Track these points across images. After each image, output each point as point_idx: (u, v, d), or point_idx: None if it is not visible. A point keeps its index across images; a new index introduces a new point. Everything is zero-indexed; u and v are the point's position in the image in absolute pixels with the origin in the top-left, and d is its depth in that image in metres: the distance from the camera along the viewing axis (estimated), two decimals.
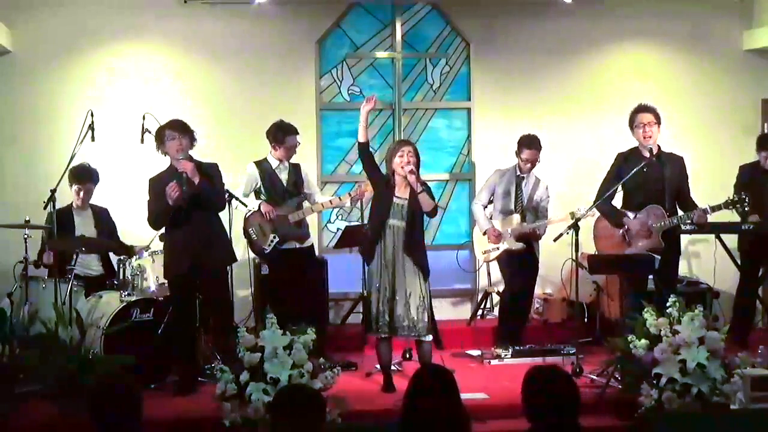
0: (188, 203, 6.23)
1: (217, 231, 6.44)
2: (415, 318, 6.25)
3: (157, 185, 6.33)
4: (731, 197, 6.83)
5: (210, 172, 6.39)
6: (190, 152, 6.38)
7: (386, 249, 6.30)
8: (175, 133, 6.30)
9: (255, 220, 7.19)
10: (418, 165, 6.33)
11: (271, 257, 7.18)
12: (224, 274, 6.55)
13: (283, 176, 7.30)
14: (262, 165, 7.26)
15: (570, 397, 3.57)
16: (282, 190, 7.27)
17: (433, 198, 6.37)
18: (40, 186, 6.85)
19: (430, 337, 6.31)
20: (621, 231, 6.94)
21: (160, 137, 6.35)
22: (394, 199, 6.33)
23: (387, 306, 6.27)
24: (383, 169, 6.54)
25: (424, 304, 6.27)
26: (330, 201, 7.50)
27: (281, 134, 7.20)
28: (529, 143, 7.42)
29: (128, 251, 6.97)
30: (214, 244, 6.35)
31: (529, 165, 7.44)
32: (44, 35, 8.13)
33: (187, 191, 6.18)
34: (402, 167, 6.27)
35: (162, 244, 6.94)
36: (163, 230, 6.96)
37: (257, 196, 7.27)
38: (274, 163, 7.28)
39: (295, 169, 7.36)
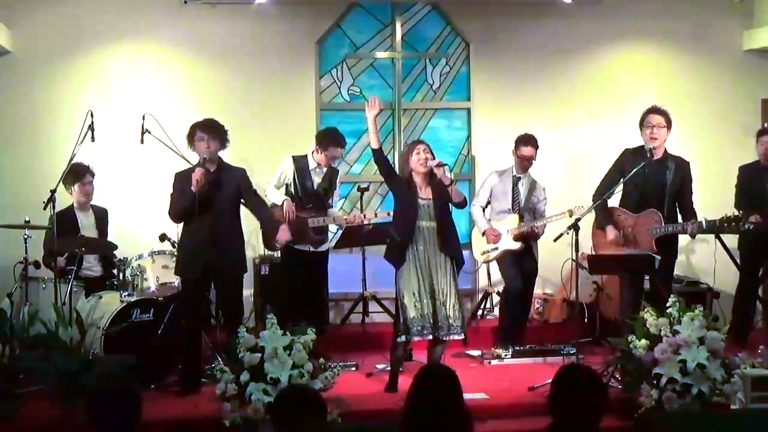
0: (204, 204, 6.22)
1: (230, 237, 6.37)
2: (452, 316, 6.18)
3: (182, 180, 6.33)
4: (727, 215, 6.77)
5: (234, 178, 6.39)
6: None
7: (418, 251, 6.20)
8: (204, 134, 6.34)
9: (275, 216, 7.17)
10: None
11: (281, 254, 7.16)
12: (238, 280, 6.53)
13: (317, 179, 7.29)
14: (299, 161, 7.22)
15: (599, 398, 3.57)
16: (311, 192, 7.26)
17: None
18: (40, 186, 6.84)
19: (463, 335, 6.26)
20: (620, 230, 6.94)
21: (191, 136, 6.40)
22: (419, 200, 6.25)
23: (429, 308, 6.16)
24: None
25: (459, 302, 6.24)
26: (354, 217, 7.43)
27: (326, 141, 7.22)
28: (526, 141, 7.45)
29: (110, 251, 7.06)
30: (225, 250, 6.29)
31: (525, 163, 7.44)
32: (44, 35, 8.13)
33: (208, 180, 6.21)
34: (422, 164, 6.18)
35: (162, 244, 6.96)
36: (163, 231, 6.98)
37: (287, 190, 7.26)
38: (312, 164, 7.28)
39: (331, 175, 7.36)
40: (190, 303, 6.40)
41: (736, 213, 6.77)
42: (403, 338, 6.19)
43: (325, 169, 7.31)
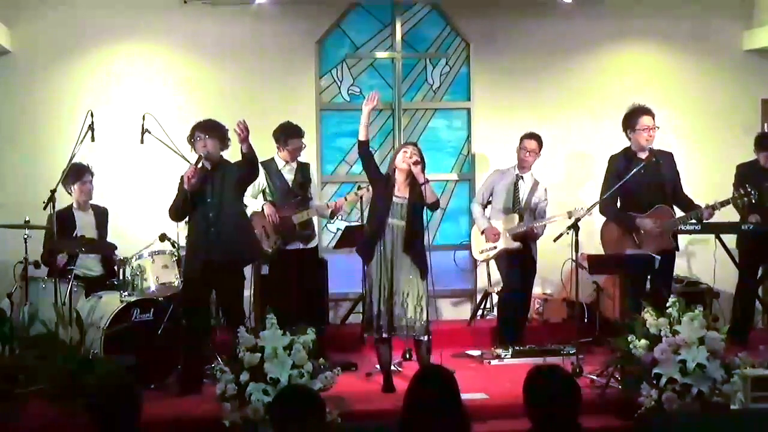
0: (201, 202, 6.28)
1: (233, 233, 6.34)
2: (413, 318, 6.25)
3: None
4: (738, 191, 6.86)
5: (233, 172, 6.41)
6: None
7: (385, 248, 6.30)
8: (201, 134, 6.39)
9: (258, 222, 7.18)
10: (423, 165, 6.32)
11: (274, 257, 7.17)
12: (238, 274, 6.53)
13: (289, 177, 7.30)
14: (268, 165, 7.25)
15: (571, 396, 3.57)
16: (288, 190, 7.26)
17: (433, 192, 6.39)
18: (40, 186, 6.85)
19: (426, 337, 6.31)
20: (632, 234, 6.95)
21: (191, 137, 6.46)
22: (394, 198, 6.33)
23: (386, 306, 6.26)
24: (382, 169, 6.55)
25: (421, 304, 6.27)
26: (335, 203, 7.46)
27: (284, 137, 7.23)
28: (530, 135, 7.48)
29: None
30: (227, 247, 6.28)
31: (530, 157, 7.41)
32: (44, 35, 8.14)
33: (202, 177, 6.25)
34: (405, 161, 6.28)
35: (162, 244, 6.96)
36: (163, 231, 6.97)
37: (264, 196, 7.27)
38: (281, 164, 7.29)
39: (303, 170, 7.36)
40: (190, 302, 6.41)
41: (745, 190, 6.81)
42: (365, 334, 6.36)
43: (294, 165, 7.32)
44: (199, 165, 6.26)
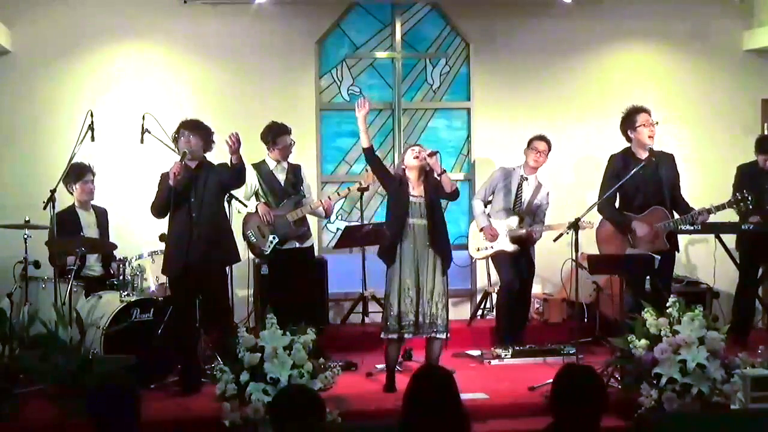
0: (183, 201, 6.28)
1: (213, 234, 6.37)
2: (436, 314, 6.23)
3: (166, 178, 6.37)
4: (735, 196, 6.84)
5: (216, 173, 6.42)
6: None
7: (408, 249, 6.25)
8: (186, 131, 6.43)
9: (253, 222, 7.18)
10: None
11: (271, 257, 7.18)
12: (222, 275, 6.52)
13: (281, 177, 7.31)
14: (259, 167, 7.27)
15: (599, 399, 3.57)
16: (280, 191, 7.27)
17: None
18: (40, 186, 6.85)
19: (446, 335, 6.28)
20: (626, 234, 6.95)
21: (176, 134, 6.48)
22: (410, 198, 6.30)
23: (413, 306, 6.22)
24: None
25: (443, 300, 6.27)
26: (328, 198, 7.46)
27: (272, 136, 7.23)
28: (540, 137, 7.47)
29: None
30: (207, 248, 6.31)
31: (541, 158, 7.40)
32: (44, 35, 8.13)
33: (185, 174, 6.27)
34: (416, 156, 6.28)
35: (162, 244, 6.96)
36: (163, 231, 6.97)
37: (257, 198, 7.28)
38: (272, 164, 7.29)
39: (294, 170, 7.37)
40: (177, 303, 6.42)
41: (742, 194, 6.79)
42: (383, 335, 6.28)
43: (286, 165, 7.33)
44: (183, 162, 6.28)
